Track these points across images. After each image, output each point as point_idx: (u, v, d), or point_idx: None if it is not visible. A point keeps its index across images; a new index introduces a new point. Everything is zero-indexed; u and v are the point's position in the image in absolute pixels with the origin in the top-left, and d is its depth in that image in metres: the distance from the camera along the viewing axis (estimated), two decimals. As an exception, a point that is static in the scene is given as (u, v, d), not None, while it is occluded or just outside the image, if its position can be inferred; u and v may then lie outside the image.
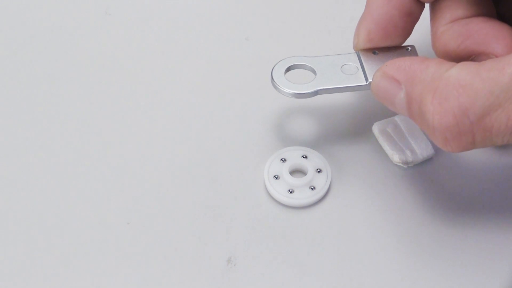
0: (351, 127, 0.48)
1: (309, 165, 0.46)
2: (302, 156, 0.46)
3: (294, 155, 0.46)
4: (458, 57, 0.42)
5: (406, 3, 0.43)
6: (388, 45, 0.45)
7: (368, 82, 0.44)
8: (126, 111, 0.49)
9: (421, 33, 0.46)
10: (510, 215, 0.44)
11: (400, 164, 0.46)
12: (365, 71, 0.44)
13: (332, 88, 0.44)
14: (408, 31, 0.45)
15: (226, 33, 0.53)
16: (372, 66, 0.44)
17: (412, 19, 0.44)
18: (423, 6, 0.44)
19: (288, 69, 0.45)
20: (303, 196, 0.45)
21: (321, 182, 0.45)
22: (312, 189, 0.45)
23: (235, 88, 0.50)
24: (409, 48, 0.45)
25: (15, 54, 0.51)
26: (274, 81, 0.45)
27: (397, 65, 0.41)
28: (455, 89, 0.38)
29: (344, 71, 0.45)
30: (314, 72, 0.45)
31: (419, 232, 0.44)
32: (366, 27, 0.44)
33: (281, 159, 0.46)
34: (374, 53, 0.45)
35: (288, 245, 0.43)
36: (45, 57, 0.51)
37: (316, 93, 0.44)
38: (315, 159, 0.46)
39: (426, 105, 0.39)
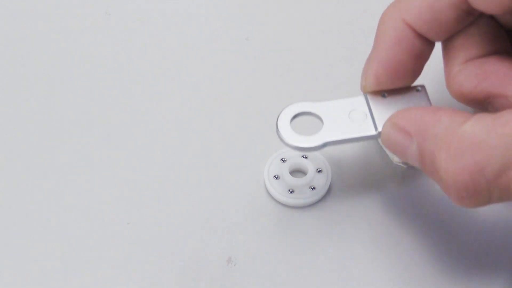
0: (351, 127, 0.48)
1: (309, 165, 0.45)
2: (302, 156, 0.46)
3: (294, 155, 0.46)
4: (474, 99, 0.40)
5: (415, 45, 0.41)
6: (397, 86, 0.42)
7: (377, 132, 0.42)
8: (126, 111, 0.49)
9: (431, 68, 0.45)
10: (511, 214, 0.44)
11: (400, 164, 0.46)
12: (374, 118, 0.42)
13: (341, 140, 0.42)
14: (417, 72, 0.42)
15: (226, 33, 0.53)
16: (381, 112, 0.42)
17: (421, 60, 0.42)
18: (433, 46, 0.42)
19: (294, 117, 0.43)
20: (303, 196, 0.45)
21: (321, 182, 0.45)
22: (312, 189, 0.45)
23: (235, 88, 0.50)
24: (419, 88, 0.43)
25: (15, 53, 0.51)
26: (279, 132, 0.42)
27: (407, 116, 0.39)
28: (470, 147, 0.36)
29: (352, 118, 0.42)
30: (321, 119, 0.43)
31: (419, 232, 0.44)
32: (374, 70, 0.42)
33: (281, 159, 0.46)
34: (383, 96, 0.42)
35: (288, 245, 0.43)
36: (45, 56, 0.51)
37: (324, 145, 0.42)
38: (315, 159, 0.46)
39: (440, 162, 0.37)
